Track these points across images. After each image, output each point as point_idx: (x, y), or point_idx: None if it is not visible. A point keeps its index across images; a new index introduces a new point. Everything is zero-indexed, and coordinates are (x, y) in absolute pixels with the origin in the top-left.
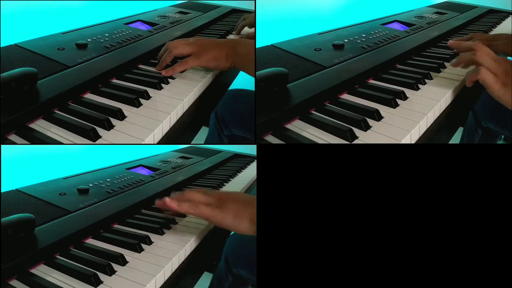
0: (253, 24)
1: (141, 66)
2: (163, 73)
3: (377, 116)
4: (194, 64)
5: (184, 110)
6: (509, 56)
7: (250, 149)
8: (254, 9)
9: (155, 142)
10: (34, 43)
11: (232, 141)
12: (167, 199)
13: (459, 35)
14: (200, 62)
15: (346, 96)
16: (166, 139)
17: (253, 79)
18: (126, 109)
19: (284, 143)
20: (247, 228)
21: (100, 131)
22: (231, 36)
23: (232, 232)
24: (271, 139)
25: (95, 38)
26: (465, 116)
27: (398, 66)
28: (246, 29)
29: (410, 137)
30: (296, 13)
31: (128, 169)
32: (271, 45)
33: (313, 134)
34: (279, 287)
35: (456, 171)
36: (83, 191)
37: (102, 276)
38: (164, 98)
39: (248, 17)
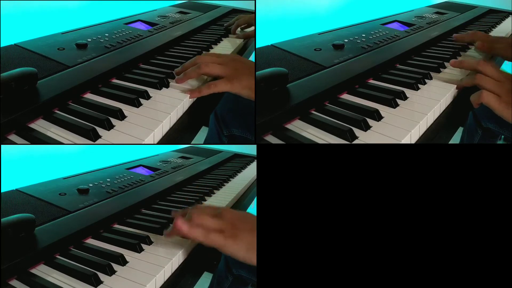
0: (247, 23)
1: (141, 65)
2: (189, 94)
3: (377, 116)
4: (225, 89)
5: (184, 110)
6: (508, 60)
7: (250, 149)
8: (254, 9)
9: (155, 142)
10: (34, 43)
11: (232, 141)
12: (179, 221)
13: None
14: (231, 88)
15: (346, 96)
16: (166, 139)
17: None
18: (126, 109)
19: (284, 143)
20: None
21: (100, 131)
22: (231, 37)
23: None
24: (271, 139)
25: (95, 38)
26: (465, 116)
27: (398, 66)
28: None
29: (410, 137)
30: (296, 13)
31: (128, 169)
32: (271, 45)
33: (313, 134)
34: (279, 287)
35: (456, 171)
36: (83, 191)
37: (102, 276)
38: (164, 98)
39: (241, 16)
